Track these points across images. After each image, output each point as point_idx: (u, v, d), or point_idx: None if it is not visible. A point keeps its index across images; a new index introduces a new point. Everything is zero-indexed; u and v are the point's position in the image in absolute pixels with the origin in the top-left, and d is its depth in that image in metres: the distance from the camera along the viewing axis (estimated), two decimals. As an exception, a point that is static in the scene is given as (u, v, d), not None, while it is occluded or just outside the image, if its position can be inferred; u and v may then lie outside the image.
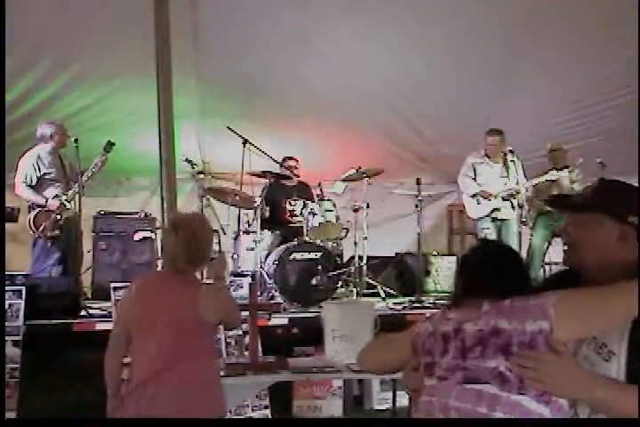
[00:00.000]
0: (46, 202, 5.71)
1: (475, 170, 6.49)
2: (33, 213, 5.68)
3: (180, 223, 2.70)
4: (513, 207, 6.37)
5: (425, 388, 1.69)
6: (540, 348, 1.53)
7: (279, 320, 4.96)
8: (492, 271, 1.77)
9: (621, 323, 1.56)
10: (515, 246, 6.30)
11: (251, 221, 6.28)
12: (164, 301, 2.63)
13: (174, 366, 2.52)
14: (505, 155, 6.36)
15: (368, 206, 6.14)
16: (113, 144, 5.62)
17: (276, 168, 6.40)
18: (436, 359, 1.67)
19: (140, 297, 2.71)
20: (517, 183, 6.28)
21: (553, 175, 6.29)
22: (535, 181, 6.39)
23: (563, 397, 1.54)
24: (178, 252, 2.66)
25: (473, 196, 6.46)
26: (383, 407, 5.12)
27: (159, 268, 6.37)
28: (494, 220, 6.43)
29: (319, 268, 5.53)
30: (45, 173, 5.74)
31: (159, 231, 6.35)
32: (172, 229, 2.67)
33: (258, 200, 6.02)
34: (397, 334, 1.88)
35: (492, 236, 6.33)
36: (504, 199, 6.38)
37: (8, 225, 5.95)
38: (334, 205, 6.19)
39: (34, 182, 5.73)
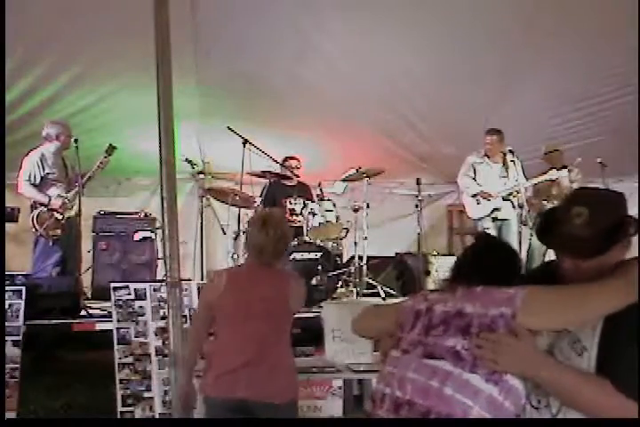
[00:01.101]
0: (49, 201, 5.71)
1: (474, 170, 6.50)
2: (36, 212, 5.69)
3: (270, 220, 2.94)
4: (513, 207, 6.37)
5: (389, 359, 1.78)
6: (499, 331, 1.62)
7: (279, 320, 4.95)
8: (477, 262, 1.87)
9: (595, 320, 1.63)
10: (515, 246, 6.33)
11: (251, 221, 6.28)
12: (258, 291, 2.83)
13: (267, 352, 2.70)
14: (505, 155, 6.36)
15: (368, 206, 6.14)
16: (114, 148, 5.66)
17: (275, 168, 6.40)
18: (404, 334, 1.77)
19: (233, 288, 2.86)
20: (517, 183, 6.29)
21: (552, 175, 6.30)
22: (535, 181, 6.40)
23: (513, 373, 1.60)
24: (267, 246, 2.90)
25: (473, 196, 6.46)
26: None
27: (160, 268, 6.40)
28: (494, 220, 6.43)
29: (319, 268, 5.53)
30: (48, 173, 5.76)
31: (159, 231, 6.36)
32: (263, 225, 2.89)
33: (258, 200, 6.03)
34: (388, 304, 2.04)
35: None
36: (504, 199, 6.38)
37: (8, 225, 5.95)
38: (334, 205, 6.19)
39: (37, 181, 5.75)
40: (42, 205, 5.72)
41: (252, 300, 2.81)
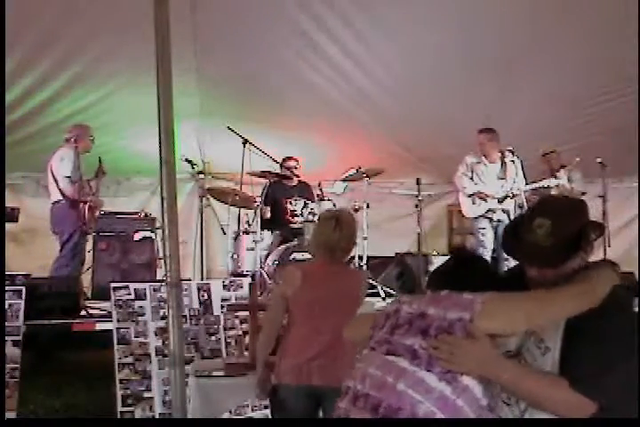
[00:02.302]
0: (92, 200, 5.83)
1: (472, 170, 6.47)
2: (82, 208, 5.76)
3: (341, 219, 3.09)
4: (503, 211, 6.36)
5: (360, 356, 1.88)
6: (456, 333, 1.68)
7: (279, 320, 4.95)
8: (451, 276, 1.95)
9: (556, 322, 1.70)
10: None
11: (251, 221, 6.29)
12: (333, 287, 3.00)
13: (338, 342, 2.75)
14: (502, 155, 6.36)
15: (368, 206, 6.14)
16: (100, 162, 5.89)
17: (276, 168, 6.40)
18: (374, 333, 1.86)
19: (310, 284, 3.00)
20: (514, 184, 6.27)
21: (551, 182, 6.27)
22: (532, 187, 6.38)
23: (472, 375, 1.66)
24: (340, 244, 3.07)
25: (469, 196, 6.44)
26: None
27: (160, 268, 6.40)
28: (491, 220, 6.42)
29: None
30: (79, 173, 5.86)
31: (159, 231, 6.36)
32: (336, 224, 3.04)
33: (258, 200, 6.03)
34: (376, 312, 2.08)
35: (488, 236, 6.32)
36: (500, 201, 6.37)
37: (8, 225, 5.95)
38: (334, 205, 6.19)
39: (77, 178, 5.82)
40: (82, 202, 5.76)
41: (328, 295, 2.97)
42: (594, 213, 6.70)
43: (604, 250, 6.64)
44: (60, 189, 5.75)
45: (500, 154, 6.38)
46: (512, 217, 6.35)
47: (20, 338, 4.15)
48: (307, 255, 5.63)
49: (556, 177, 6.51)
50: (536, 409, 1.68)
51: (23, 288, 4.29)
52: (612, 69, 6.22)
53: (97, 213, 5.99)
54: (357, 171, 6.27)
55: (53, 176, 5.81)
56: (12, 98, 6.03)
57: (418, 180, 6.29)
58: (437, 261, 6.90)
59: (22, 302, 4.24)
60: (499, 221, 6.40)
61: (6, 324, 4.11)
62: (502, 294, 1.75)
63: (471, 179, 6.44)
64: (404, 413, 1.63)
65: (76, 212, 5.77)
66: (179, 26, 4.12)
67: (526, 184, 6.36)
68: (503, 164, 6.39)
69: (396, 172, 7.46)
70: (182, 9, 4.96)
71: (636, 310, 5.43)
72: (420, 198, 6.30)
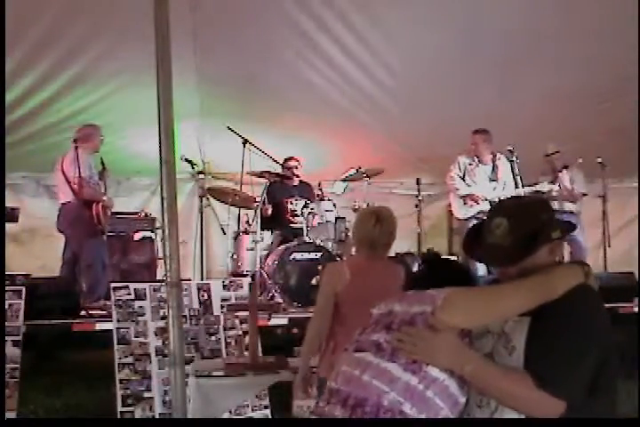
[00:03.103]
0: (104, 200, 5.79)
1: (464, 170, 6.46)
2: (98, 209, 5.71)
3: (381, 216, 3.19)
4: None
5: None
6: (418, 326, 1.73)
7: (279, 320, 4.96)
8: (425, 281, 1.97)
9: (514, 315, 1.74)
10: None
11: (251, 221, 6.29)
12: (379, 281, 3.04)
13: None
14: (494, 157, 6.36)
15: (368, 206, 6.13)
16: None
17: (276, 168, 6.40)
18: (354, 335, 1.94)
19: (357, 279, 3.08)
20: (506, 186, 6.32)
21: (544, 187, 6.27)
22: (525, 191, 6.38)
23: (437, 366, 1.69)
24: (381, 240, 3.17)
25: (462, 197, 6.42)
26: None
27: (160, 268, 6.40)
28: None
29: (319, 268, 5.52)
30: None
31: (159, 231, 6.36)
32: (376, 221, 3.14)
33: (258, 200, 6.03)
34: None
35: None
36: (491, 204, 6.36)
37: (8, 225, 5.95)
38: (334, 205, 6.19)
39: (96, 179, 5.80)
40: (96, 202, 5.73)
41: (375, 289, 2.96)
42: (594, 213, 6.80)
43: (604, 250, 6.65)
44: (74, 190, 5.64)
45: (491, 155, 6.38)
46: None
47: (20, 338, 4.15)
48: (307, 255, 5.63)
49: (555, 179, 6.51)
50: (505, 408, 1.70)
51: (23, 288, 4.29)
52: (612, 69, 6.22)
53: (109, 214, 5.91)
54: (357, 171, 6.27)
55: (65, 176, 5.69)
56: (11, 98, 6.03)
57: (418, 180, 6.31)
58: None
59: (22, 302, 4.24)
60: None
61: (6, 324, 4.11)
62: (464, 289, 1.80)
63: (463, 179, 6.43)
64: (370, 403, 1.67)
65: (91, 212, 5.71)
66: (179, 26, 4.13)
67: (523, 186, 6.37)
68: (495, 165, 6.39)
69: (396, 172, 7.47)
70: (182, 9, 4.97)
71: (636, 309, 5.46)
72: (419, 198, 6.31)
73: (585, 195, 6.64)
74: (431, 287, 1.85)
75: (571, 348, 1.67)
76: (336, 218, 6.10)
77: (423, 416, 1.65)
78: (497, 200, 6.22)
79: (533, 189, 6.27)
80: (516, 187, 6.33)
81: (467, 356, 1.70)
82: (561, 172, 6.51)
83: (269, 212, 6.21)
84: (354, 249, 3.43)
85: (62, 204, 5.75)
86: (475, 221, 6.30)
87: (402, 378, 1.68)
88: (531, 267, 1.79)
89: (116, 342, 4.10)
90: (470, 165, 6.45)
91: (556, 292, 1.70)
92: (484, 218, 1.96)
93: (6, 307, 4.18)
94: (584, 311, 1.72)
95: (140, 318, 4.18)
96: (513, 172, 6.31)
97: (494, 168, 6.40)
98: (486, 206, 6.32)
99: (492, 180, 6.40)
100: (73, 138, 5.82)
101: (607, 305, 5.63)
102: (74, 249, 5.78)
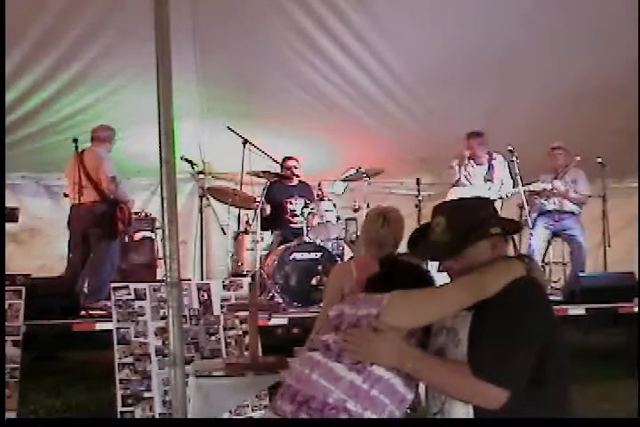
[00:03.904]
0: (130, 201, 5.83)
1: (459, 171, 6.46)
2: (124, 210, 5.74)
3: (389, 216, 3.21)
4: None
5: None
6: (363, 327, 1.82)
7: (279, 320, 4.96)
8: (384, 284, 2.01)
9: (465, 313, 1.81)
10: None
11: (251, 221, 6.29)
12: None
13: None
14: (490, 156, 6.37)
15: (368, 206, 6.13)
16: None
17: (276, 168, 6.40)
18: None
19: (363, 278, 3.02)
20: (502, 186, 6.31)
21: (537, 187, 6.27)
22: (516, 191, 6.39)
23: (381, 365, 1.78)
24: (388, 239, 3.18)
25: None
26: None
27: (160, 268, 6.40)
28: None
29: (319, 268, 5.52)
30: None
31: (159, 231, 6.36)
32: (384, 221, 3.16)
33: (258, 200, 6.03)
34: None
35: None
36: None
37: (8, 225, 5.94)
38: (334, 205, 6.19)
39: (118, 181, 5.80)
40: (123, 202, 5.75)
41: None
42: (594, 213, 6.79)
43: (604, 250, 6.65)
44: (103, 190, 5.64)
45: (487, 155, 6.39)
46: None
47: (19, 338, 4.15)
48: (307, 255, 5.63)
49: (557, 176, 6.51)
50: (451, 411, 1.79)
51: (23, 288, 4.29)
52: (613, 69, 6.23)
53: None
54: (357, 171, 6.27)
55: (89, 176, 5.65)
56: (12, 98, 6.03)
57: (418, 180, 6.30)
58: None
59: (22, 302, 4.24)
60: None
61: (6, 324, 4.11)
62: (407, 291, 1.87)
63: (458, 181, 6.42)
64: (316, 400, 1.76)
65: (116, 213, 5.70)
66: (179, 26, 4.14)
67: (517, 186, 6.38)
68: (491, 165, 6.40)
69: (396, 172, 7.47)
70: (182, 9, 4.97)
71: (636, 309, 5.45)
72: (419, 198, 6.30)
73: (589, 196, 6.64)
74: (388, 290, 1.90)
75: (505, 338, 1.73)
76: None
77: (368, 413, 1.74)
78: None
79: (527, 188, 6.28)
80: (514, 186, 6.35)
81: (407, 354, 1.78)
82: (562, 170, 6.50)
83: (268, 210, 6.21)
84: (363, 249, 3.44)
85: (79, 204, 5.61)
86: None
87: (346, 377, 1.77)
88: (473, 263, 1.88)
89: (115, 342, 4.10)
90: (466, 165, 6.46)
91: (489, 289, 1.78)
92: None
93: (6, 307, 4.18)
94: (520, 304, 1.78)
95: (140, 318, 4.18)
96: (511, 171, 6.31)
97: (490, 168, 6.41)
98: None
99: (487, 180, 6.41)
100: (92, 137, 5.83)
101: (607, 305, 5.57)
102: (87, 250, 5.73)
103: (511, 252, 2.08)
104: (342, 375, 1.78)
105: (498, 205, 6.36)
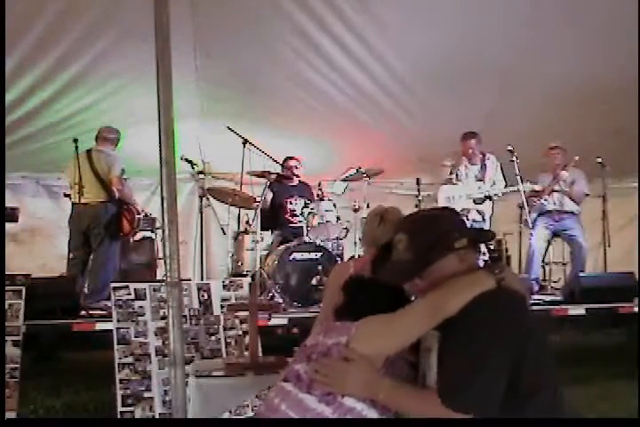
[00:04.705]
0: (134, 202, 5.88)
1: (452, 171, 6.49)
2: (136, 213, 5.79)
3: (387, 216, 3.10)
4: (479, 213, 6.40)
5: None
6: (334, 357, 1.79)
7: (279, 320, 4.96)
8: (351, 304, 2.01)
9: (432, 332, 1.77)
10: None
11: (251, 221, 6.29)
12: None
13: None
14: (483, 156, 6.39)
15: (368, 206, 6.14)
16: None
17: (276, 168, 6.40)
18: None
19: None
20: (493, 185, 6.36)
21: (525, 187, 6.28)
22: (504, 191, 6.41)
23: (352, 396, 1.74)
24: (384, 240, 3.08)
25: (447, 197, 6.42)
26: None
27: (160, 268, 6.40)
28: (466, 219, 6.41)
29: (319, 268, 5.52)
30: None
31: (159, 231, 6.36)
32: (380, 220, 3.06)
33: (258, 200, 6.03)
34: None
35: None
36: (476, 202, 6.37)
37: (8, 225, 5.94)
38: (334, 205, 6.19)
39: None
40: (130, 204, 5.78)
41: None
42: (594, 213, 6.79)
43: (604, 250, 6.65)
44: (112, 190, 5.65)
45: (481, 156, 6.41)
46: (487, 218, 6.41)
47: (19, 338, 4.15)
48: (307, 255, 5.63)
49: (555, 176, 6.52)
50: None
51: (23, 288, 4.29)
52: (613, 69, 6.22)
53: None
54: (357, 171, 6.28)
55: (97, 175, 5.67)
56: (11, 98, 6.03)
57: (418, 180, 6.30)
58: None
59: (22, 302, 4.24)
60: (473, 221, 6.41)
61: (6, 324, 4.11)
62: (376, 317, 1.82)
63: (450, 180, 6.44)
64: None
65: (123, 213, 5.70)
66: (179, 26, 4.14)
67: (507, 186, 6.41)
68: (483, 165, 6.41)
69: (396, 172, 7.47)
70: (182, 9, 4.97)
71: (636, 309, 5.46)
72: (419, 198, 6.30)
73: (587, 195, 6.65)
74: (355, 315, 1.86)
75: (470, 360, 1.66)
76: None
77: None
78: (486, 196, 6.31)
79: (514, 188, 6.30)
80: (506, 186, 6.38)
81: (378, 384, 1.73)
82: (562, 170, 6.50)
83: (268, 205, 6.21)
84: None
85: (82, 203, 5.59)
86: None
87: (316, 409, 1.74)
88: (439, 279, 1.79)
89: (115, 342, 4.10)
90: (459, 165, 6.50)
91: (450, 308, 1.70)
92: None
93: (6, 307, 4.18)
94: (484, 320, 1.70)
95: (140, 318, 4.18)
96: (503, 172, 6.35)
97: (482, 168, 6.43)
98: (469, 205, 6.34)
99: (478, 179, 6.43)
100: (97, 136, 5.83)
101: (607, 305, 5.57)
102: (89, 249, 5.72)
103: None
104: (312, 407, 1.75)
105: (488, 205, 6.40)
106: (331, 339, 1.84)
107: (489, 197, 6.40)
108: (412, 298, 1.97)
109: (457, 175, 6.45)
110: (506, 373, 1.65)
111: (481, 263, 1.90)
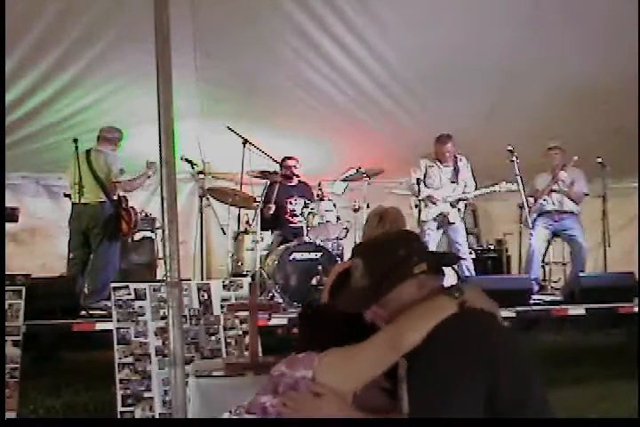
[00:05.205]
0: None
1: (425, 173, 6.46)
2: (134, 212, 5.78)
3: (386, 216, 3.16)
4: (459, 210, 6.41)
5: None
6: (301, 390, 1.75)
7: (279, 320, 4.96)
8: (306, 331, 2.00)
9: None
10: (465, 247, 6.42)
11: (251, 221, 6.29)
12: None
13: None
14: (456, 157, 6.38)
15: (368, 206, 6.14)
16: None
17: (276, 168, 6.41)
18: None
19: None
20: (466, 187, 6.36)
21: (502, 188, 6.28)
22: (480, 192, 6.40)
23: None
24: None
25: (421, 200, 6.38)
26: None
27: (160, 268, 6.40)
28: (441, 223, 6.39)
29: (319, 268, 5.53)
30: None
31: (159, 231, 6.36)
32: (379, 221, 3.12)
33: (258, 200, 6.03)
34: None
35: (432, 236, 6.28)
36: (452, 206, 6.37)
37: (8, 225, 5.94)
38: (334, 205, 6.19)
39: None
40: (129, 206, 5.80)
41: None
42: (594, 213, 6.80)
43: (604, 250, 6.65)
44: (110, 191, 5.67)
45: (453, 157, 6.39)
46: (461, 219, 6.47)
47: (19, 338, 4.15)
48: (307, 255, 5.64)
49: (554, 176, 6.52)
50: None
51: (23, 288, 4.29)
52: (613, 69, 6.22)
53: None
54: (357, 171, 6.28)
55: (96, 176, 5.67)
56: (11, 98, 6.03)
57: (418, 180, 6.29)
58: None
59: (22, 302, 4.24)
60: (449, 224, 6.40)
61: (6, 324, 4.11)
62: (338, 350, 1.76)
63: (424, 182, 6.40)
64: None
65: (122, 214, 5.71)
66: (179, 26, 4.13)
67: (475, 188, 6.42)
68: (456, 167, 6.40)
69: (395, 172, 7.46)
70: (182, 9, 4.97)
71: (636, 309, 5.45)
72: (419, 198, 6.29)
73: (586, 195, 6.65)
74: (319, 347, 1.81)
75: (435, 393, 1.58)
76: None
77: None
78: (459, 198, 6.34)
79: (491, 189, 6.30)
80: (476, 188, 6.39)
81: (346, 417, 1.69)
82: (562, 169, 6.50)
83: (272, 209, 6.21)
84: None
85: (82, 203, 5.60)
86: (434, 222, 6.28)
87: None
88: (398, 306, 1.71)
89: (115, 342, 4.10)
90: (431, 167, 6.45)
91: (409, 341, 1.63)
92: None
93: (6, 307, 4.18)
94: (446, 349, 1.62)
95: (140, 318, 4.18)
96: (472, 172, 6.38)
97: (455, 170, 6.41)
98: (447, 208, 6.32)
99: (452, 182, 6.41)
100: (99, 136, 5.83)
101: (607, 305, 5.58)
102: (89, 249, 5.72)
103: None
104: None
105: (461, 207, 6.40)
106: (297, 371, 1.79)
107: (463, 199, 6.41)
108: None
109: (432, 177, 6.38)
110: (479, 397, 1.57)
111: (446, 284, 1.79)
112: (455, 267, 1.97)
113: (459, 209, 6.44)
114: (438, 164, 6.44)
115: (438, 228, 6.39)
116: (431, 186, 6.36)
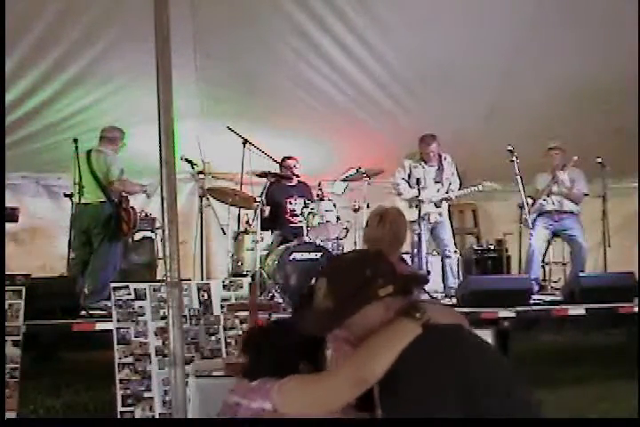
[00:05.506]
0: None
1: (410, 173, 6.45)
2: (134, 212, 5.77)
3: (386, 216, 3.18)
4: (441, 213, 6.41)
5: None
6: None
7: (279, 320, 4.96)
8: (257, 356, 1.92)
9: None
10: (450, 245, 6.40)
11: (251, 221, 6.29)
12: None
13: None
14: (440, 157, 6.36)
15: (368, 206, 6.14)
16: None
17: (276, 168, 6.41)
18: None
19: None
20: (450, 186, 6.35)
21: (486, 187, 6.27)
22: (463, 192, 6.39)
23: None
24: (384, 239, 3.12)
25: (406, 200, 6.36)
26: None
27: (160, 268, 6.40)
28: (426, 223, 6.36)
29: (319, 268, 5.52)
30: None
31: (159, 231, 6.35)
32: (379, 221, 3.13)
33: (258, 200, 6.03)
34: None
35: (423, 238, 6.20)
36: (437, 206, 6.36)
37: (8, 225, 5.93)
38: (334, 205, 6.19)
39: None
40: (129, 206, 5.77)
41: None
42: (594, 213, 6.81)
43: (604, 250, 6.65)
44: (110, 191, 5.66)
45: (438, 156, 6.38)
46: (446, 218, 6.47)
47: (19, 338, 4.15)
48: (307, 255, 5.63)
49: (554, 176, 6.52)
50: None
51: (23, 288, 4.29)
52: (613, 69, 6.23)
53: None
54: (357, 171, 6.28)
55: (95, 176, 5.66)
56: (11, 98, 6.03)
57: (418, 180, 6.29)
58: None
59: (22, 302, 4.24)
60: (435, 223, 6.39)
61: (6, 324, 4.11)
62: (296, 379, 1.70)
63: (408, 182, 6.40)
64: None
65: (123, 214, 5.70)
66: (179, 26, 4.13)
67: (460, 186, 6.42)
68: (440, 166, 6.39)
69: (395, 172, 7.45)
70: (182, 9, 4.97)
71: (636, 309, 5.45)
72: (419, 198, 6.29)
73: (586, 195, 6.65)
74: (267, 375, 1.76)
75: (407, 414, 1.55)
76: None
77: None
78: (443, 198, 6.31)
79: (473, 189, 6.29)
80: (461, 186, 6.38)
81: None
82: (562, 169, 6.50)
83: (267, 212, 6.21)
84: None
85: (83, 203, 5.59)
86: (421, 223, 6.26)
87: None
88: (362, 330, 1.66)
89: (115, 342, 4.10)
90: (415, 168, 6.43)
91: (375, 375, 1.58)
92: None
93: (6, 307, 4.18)
94: (413, 372, 1.58)
95: (140, 318, 4.18)
96: (456, 169, 6.38)
97: (439, 169, 6.40)
98: (431, 208, 6.31)
99: (436, 182, 6.40)
100: (100, 136, 5.82)
101: (607, 305, 5.57)
102: (90, 250, 5.71)
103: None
104: None
105: (445, 207, 6.39)
106: (253, 402, 1.72)
107: (447, 200, 6.40)
108: (329, 349, 1.83)
109: (416, 178, 6.35)
110: (457, 413, 1.53)
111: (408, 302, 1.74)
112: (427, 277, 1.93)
113: (443, 208, 6.43)
114: (423, 164, 6.41)
115: (425, 227, 6.37)
116: (415, 186, 6.33)
